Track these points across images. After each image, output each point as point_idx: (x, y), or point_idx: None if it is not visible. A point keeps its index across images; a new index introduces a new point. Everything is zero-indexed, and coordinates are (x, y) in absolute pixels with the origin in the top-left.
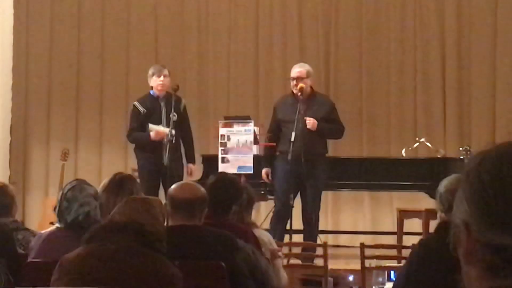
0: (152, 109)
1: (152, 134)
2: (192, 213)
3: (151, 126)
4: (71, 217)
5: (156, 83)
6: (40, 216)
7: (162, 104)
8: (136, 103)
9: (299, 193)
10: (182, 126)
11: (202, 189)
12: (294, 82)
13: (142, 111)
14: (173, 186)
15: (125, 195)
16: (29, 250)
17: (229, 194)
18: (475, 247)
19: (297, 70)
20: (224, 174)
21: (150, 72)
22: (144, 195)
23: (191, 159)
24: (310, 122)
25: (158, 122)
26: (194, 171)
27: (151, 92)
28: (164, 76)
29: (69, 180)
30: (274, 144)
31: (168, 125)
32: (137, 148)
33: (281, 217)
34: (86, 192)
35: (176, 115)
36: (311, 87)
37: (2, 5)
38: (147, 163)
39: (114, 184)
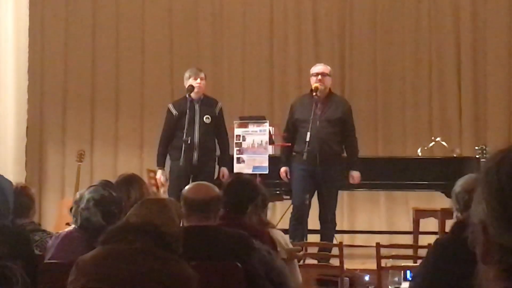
0: (184, 111)
1: (158, 173)
2: (207, 214)
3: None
4: (79, 220)
5: (193, 85)
6: (56, 217)
7: (197, 106)
8: (170, 105)
9: (316, 193)
10: (217, 129)
11: (216, 189)
12: (319, 77)
13: (174, 114)
14: (187, 187)
15: (136, 192)
16: (47, 251)
17: (245, 194)
18: (492, 248)
19: (321, 67)
20: (240, 174)
21: (187, 74)
22: (171, 196)
23: (224, 163)
24: (354, 180)
25: (190, 124)
26: (226, 175)
27: (187, 94)
28: (201, 78)
29: (85, 181)
30: (290, 144)
31: (200, 128)
32: (170, 149)
33: (299, 218)
34: (92, 196)
35: (210, 118)
36: (329, 88)
37: (17, 7)
38: (176, 165)
39: (121, 184)
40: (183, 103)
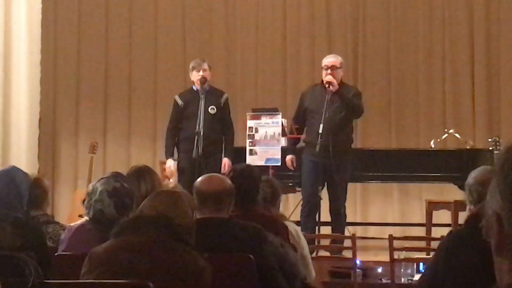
0: (190, 102)
1: (167, 163)
2: (220, 206)
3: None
4: (92, 212)
5: (196, 77)
6: (69, 209)
7: (202, 97)
8: (176, 96)
9: (325, 184)
10: (223, 121)
11: (229, 181)
12: (328, 71)
13: (180, 104)
14: (199, 179)
15: (147, 184)
16: (60, 243)
17: (254, 183)
18: (506, 240)
19: (331, 59)
20: (245, 164)
21: (190, 66)
22: (183, 188)
23: (227, 154)
24: (331, 80)
25: (195, 115)
26: (228, 166)
27: (194, 86)
28: (204, 70)
29: (98, 173)
30: (300, 136)
31: (204, 119)
32: (178, 141)
33: (310, 209)
34: (104, 187)
35: (215, 109)
36: (341, 79)
37: None
38: (184, 157)
39: (132, 176)
40: (189, 94)
